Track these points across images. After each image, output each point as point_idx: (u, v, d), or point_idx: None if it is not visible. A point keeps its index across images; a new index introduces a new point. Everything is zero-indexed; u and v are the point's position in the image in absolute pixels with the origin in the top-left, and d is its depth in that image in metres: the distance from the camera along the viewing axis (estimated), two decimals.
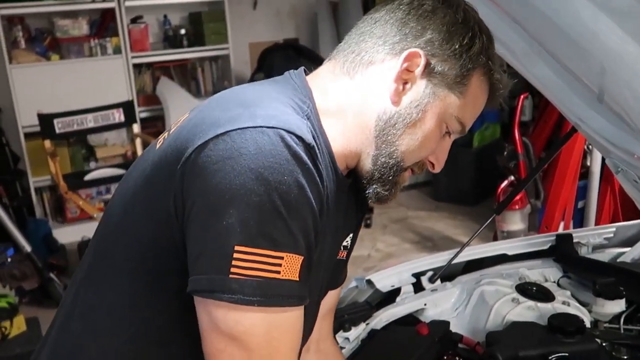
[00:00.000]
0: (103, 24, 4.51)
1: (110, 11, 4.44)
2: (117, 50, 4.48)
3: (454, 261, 1.40)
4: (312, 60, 4.53)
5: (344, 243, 1.05)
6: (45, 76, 4.26)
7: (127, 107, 4.17)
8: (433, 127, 0.89)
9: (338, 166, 0.89)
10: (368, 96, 0.88)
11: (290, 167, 0.73)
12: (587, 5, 1.05)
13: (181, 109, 4.38)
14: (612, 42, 1.10)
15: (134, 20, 4.59)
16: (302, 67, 0.95)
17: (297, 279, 0.75)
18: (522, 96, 3.32)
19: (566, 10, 1.09)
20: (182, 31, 4.78)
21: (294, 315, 0.77)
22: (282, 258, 0.72)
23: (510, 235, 3.23)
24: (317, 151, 0.79)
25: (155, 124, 4.78)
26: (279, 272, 0.72)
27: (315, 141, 0.80)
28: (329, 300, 1.11)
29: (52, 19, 4.36)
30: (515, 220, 3.26)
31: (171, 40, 4.77)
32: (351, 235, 1.06)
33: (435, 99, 0.87)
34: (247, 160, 0.72)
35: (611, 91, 1.23)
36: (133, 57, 4.55)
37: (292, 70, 0.94)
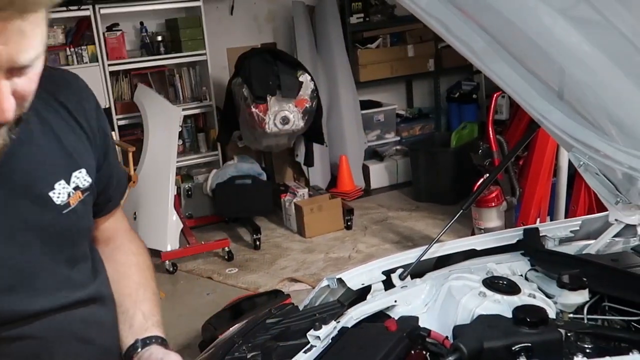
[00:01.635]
0: (79, 32, 4.50)
1: (86, 19, 4.43)
2: (93, 59, 4.47)
3: (425, 257, 1.42)
4: (289, 63, 4.55)
5: (71, 186, 1.00)
6: None
7: None
8: None
9: None
10: None
11: None
12: (547, 11, 1.09)
13: (160, 115, 4.38)
14: (570, 44, 1.13)
15: (110, 28, 4.58)
16: None
17: None
18: (496, 94, 3.37)
19: (527, 14, 1.12)
20: (159, 38, 4.78)
21: None
22: None
23: (487, 232, 3.27)
24: None
25: (133, 131, 4.78)
26: None
27: None
28: (110, 224, 1.20)
29: None
30: (491, 218, 3.30)
31: (148, 47, 4.77)
32: (80, 172, 1.02)
33: None
34: None
35: (570, 89, 1.27)
36: (110, 65, 4.54)
37: None
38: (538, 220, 3.18)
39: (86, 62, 4.46)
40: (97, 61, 4.48)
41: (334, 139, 5.34)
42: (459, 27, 1.21)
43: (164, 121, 4.30)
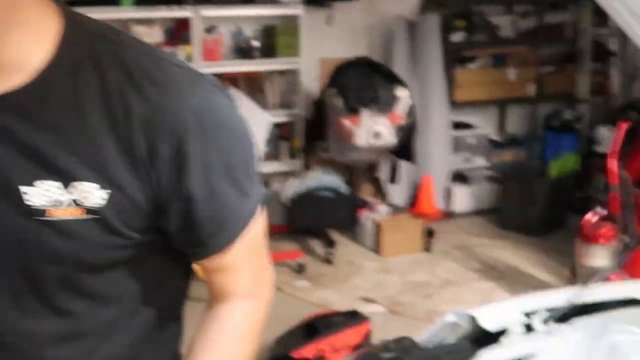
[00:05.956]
0: (177, 32, 4.55)
1: (186, 20, 4.47)
2: (188, 59, 4.49)
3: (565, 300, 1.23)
4: (387, 76, 4.44)
5: (66, 195, 0.73)
6: None
7: None
8: None
9: None
10: None
11: None
12: None
13: (249, 120, 4.34)
14: None
15: (208, 31, 4.60)
16: None
17: None
18: (624, 124, 3.06)
19: None
20: (254, 43, 4.76)
21: None
22: None
23: (592, 272, 3.00)
24: None
25: None
26: None
27: None
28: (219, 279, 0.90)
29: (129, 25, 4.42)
30: (598, 256, 3.04)
31: (242, 51, 4.76)
32: (91, 185, 0.74)
33: None
34: None
35: None
36: (204, 67, 4.55)
37: None
38: None
39: None
40: (191, 62, 4.49)
41: (419, 157, 5.15)
42: None
43: (252, 127, 4.25)
